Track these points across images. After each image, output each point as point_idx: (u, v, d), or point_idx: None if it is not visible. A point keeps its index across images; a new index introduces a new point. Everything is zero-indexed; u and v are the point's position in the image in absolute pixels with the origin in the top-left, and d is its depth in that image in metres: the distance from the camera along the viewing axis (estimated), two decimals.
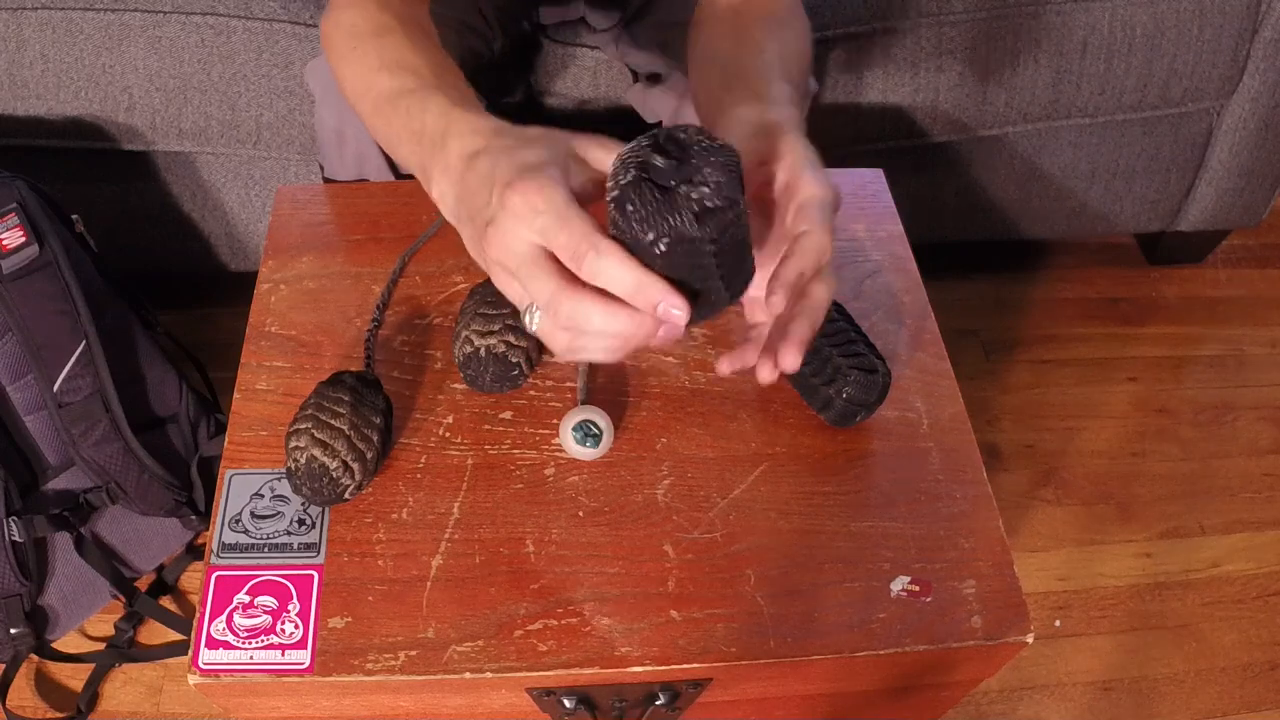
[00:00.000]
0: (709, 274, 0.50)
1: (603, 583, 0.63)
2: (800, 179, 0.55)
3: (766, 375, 0.55)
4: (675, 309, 0.47)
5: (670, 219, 0.47)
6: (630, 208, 0.47)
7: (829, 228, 0.54)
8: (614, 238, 0.48)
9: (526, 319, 0.51)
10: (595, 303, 0.47)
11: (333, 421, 0.63)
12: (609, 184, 0.49)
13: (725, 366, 0.59)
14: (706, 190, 0.48)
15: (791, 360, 0.53)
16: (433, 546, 0.64)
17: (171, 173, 1.22)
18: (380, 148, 0.86)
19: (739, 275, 0.51)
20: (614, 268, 0.46)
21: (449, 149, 0.54)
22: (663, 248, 0.48)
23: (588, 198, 0.51)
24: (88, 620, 1.18)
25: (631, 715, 0.68)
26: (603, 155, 0.52)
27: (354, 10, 0.67)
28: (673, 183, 0.48)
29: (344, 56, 0.66)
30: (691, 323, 0.49)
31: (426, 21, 0.69)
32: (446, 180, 0.54)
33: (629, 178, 0.48)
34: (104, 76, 1.11)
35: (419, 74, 0.60)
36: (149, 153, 1.20)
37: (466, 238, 0.53)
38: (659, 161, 0.48)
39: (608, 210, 0.49)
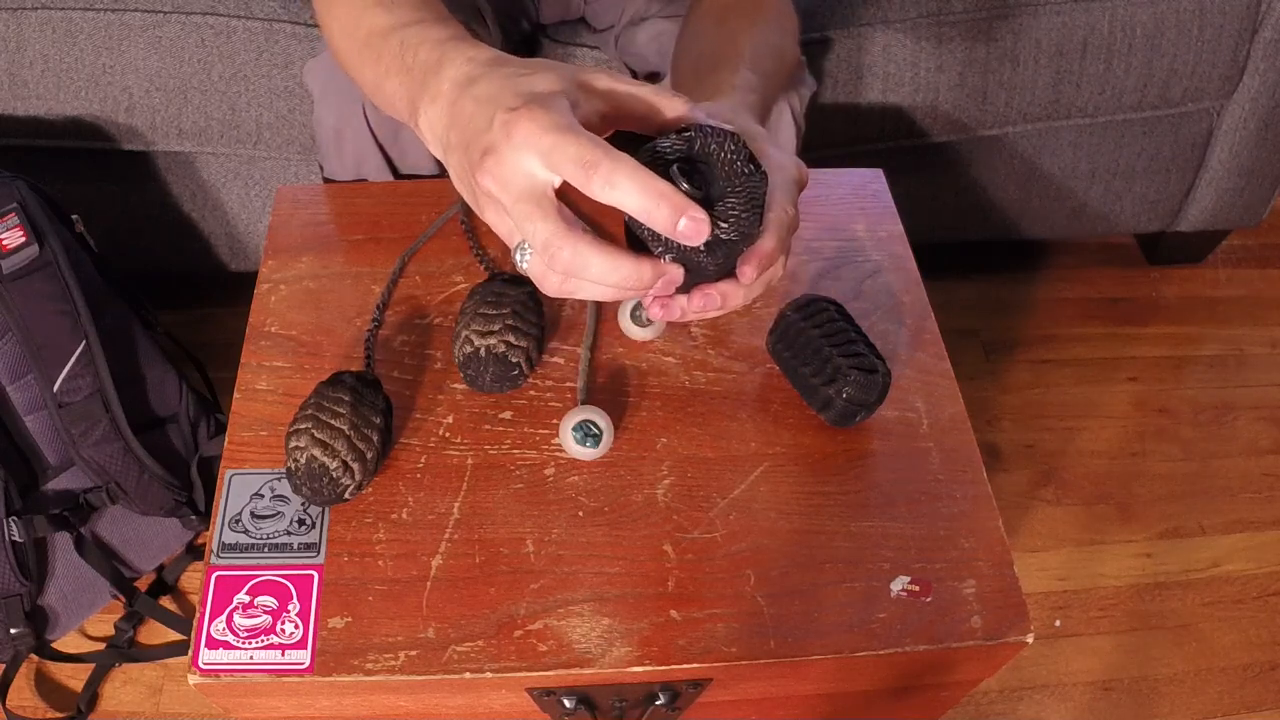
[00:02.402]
0: (704, 279, 0.50)
1: (603, 583, 0.63)
2: (760, 152, 0.53)
3: (657, 311, 0.52)
4: (698, 221, 0.44)
5: (682, 244, 0.47)
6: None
7: (792, 200, 0.52)
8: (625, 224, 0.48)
9: (516, 256, 0.48)
10: (595, 251, 0.45)
11: (333, 421, 0.63)
12: None
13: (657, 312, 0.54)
14: (724, 226, 0.48)
15: (695, 305, 0.51)
16: (433, 546, 0.64)
17: (171, 173, 1.22)
18: (379, 146, 0.86)
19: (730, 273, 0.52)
20: (629, 178, 0.44)
21: (442, 76, 0.51)
22: (670, 258, 0.48)
23: (597, 132, 0.48)
24: (88, 620, 1.18)
25: (631, 715, 0.68)
26: (610, 84, 0.50)
27: None
28: None
29: (331, 5, 0.64)
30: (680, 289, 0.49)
31: None
32: (436, 107, 0.50)
33: None
34: (104, 76, 1.11)
35: (415, 8, 0.57)
36: (149, 153, 1.20)
37: (453, 167, 0.50)
38: (684, 186, 0.47)
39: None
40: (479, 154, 0.46)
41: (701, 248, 0.48)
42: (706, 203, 0.48)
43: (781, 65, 0.73)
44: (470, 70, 0.50)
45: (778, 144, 0.55)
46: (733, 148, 0.49)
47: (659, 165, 0.48)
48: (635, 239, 0.49)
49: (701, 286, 0.52)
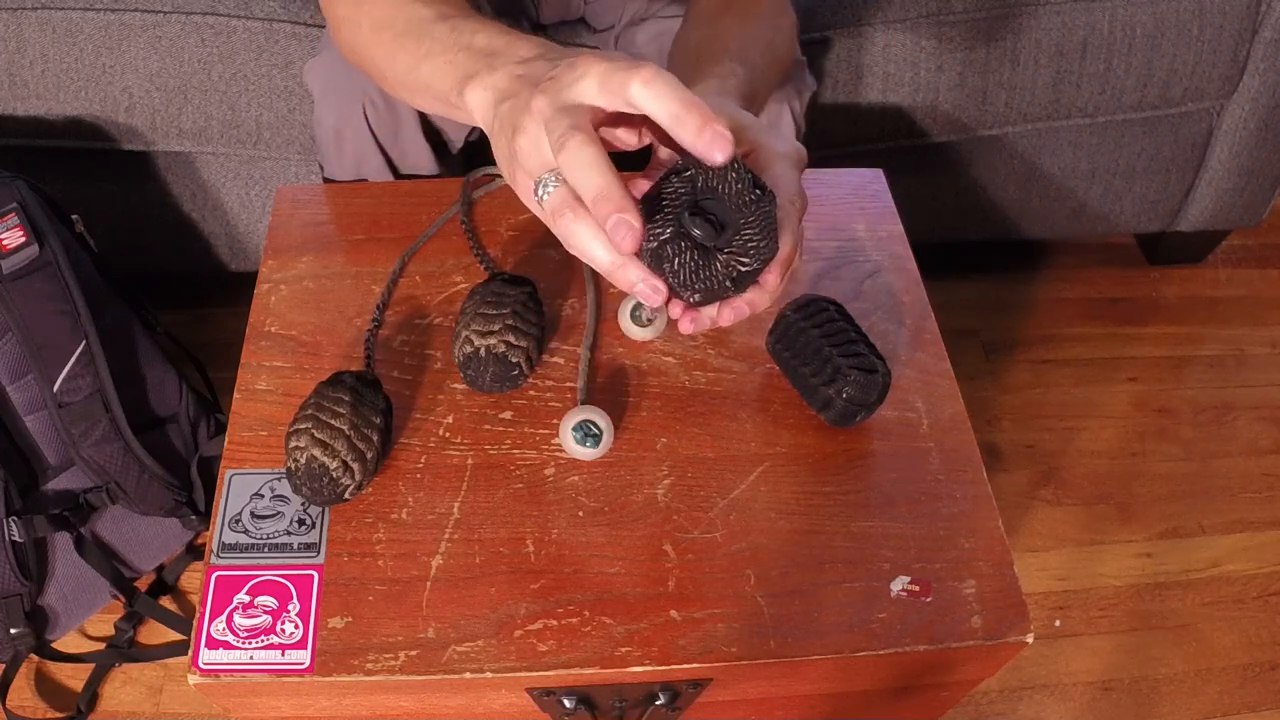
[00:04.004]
0: (722, 296, 0.52)
1: (603, 583, 0.63)
2: (756, 141, 0.55)
3: (687, 325, 0.54)
4: (624, 232, 0.46)
5: (709, 281, 0.49)
6: (668, 266, 0.49)
7: (799, 186, 0.54)
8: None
9: (539, 192, 0.49)
10: (589, 231, 0.48)
11: (333, 421, 0.63)
12: (645, 224, 0.48)
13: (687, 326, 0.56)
14: (745, 261, 0.49)
15: (726, 317, 0.53)
16: (433, 546, 0.64)
17: (171, 173, 1.22)
18: (379, 146, 0.86)
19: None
20: (585, 168, 0.46)
21: (507, 55, 0.53)
22: (696, 299, 0.50)
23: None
24: (88, 620, 1.18)
25: (631, 715, 0.68)
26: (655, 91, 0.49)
27: None
28: (712, 245, 0.49)
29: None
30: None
31: None
32: (494, 75, 0.53)
33: (667, 233, 0.49)
34: (104, 76, 1.11)
35: (458, 5, 0.60)
36: (149, 153, 1.20)
37: (503, 115, 0.52)
38: (697, 231, 0.48)
39: (643, 244, 0.48)
40: (545, 79, 0.49)
41: (729, 284, 0.50)
42: (724, 237, 0.49)
43: (774, 59, 0.74)
44: (535, 51, 0.53)
45: (775, 130, 0.55)
46: (735, 176, 0.49)
47: (665, 209, 0.49)
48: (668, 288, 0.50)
49: (729, 300, 0.53)
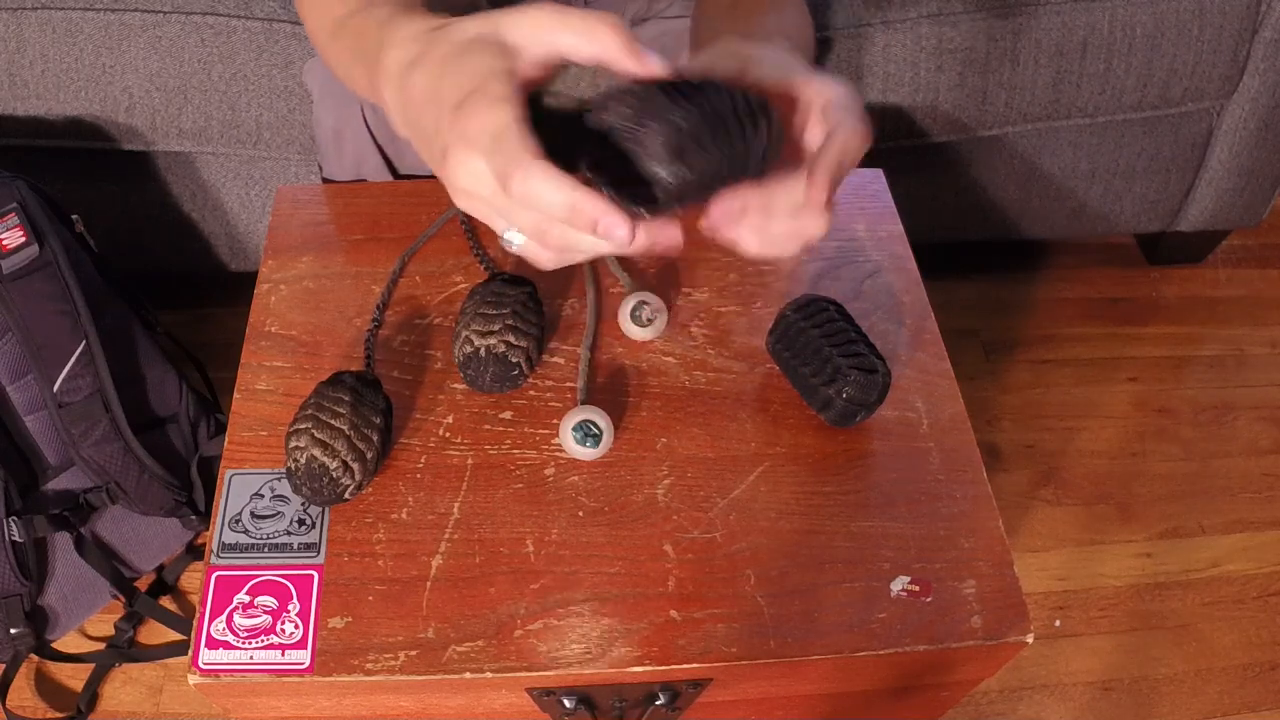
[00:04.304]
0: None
1: (603, 583, 0.63)
2: (805, 81, 0.49)
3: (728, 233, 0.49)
4: (616, 228, 0.42)
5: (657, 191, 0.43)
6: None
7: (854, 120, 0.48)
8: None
9: (505, 240, 0.46)
10: (577, 230, 0.43)
11: (333, 421, 0.63)
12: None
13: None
14: (675, 171, 0.43)
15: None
16: (433, 546, 0.64)
17: (171, 173, 1.22)
18: (378, 147, 0.86)
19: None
20: (544, 190, 0.41)
21: (387, 59, 0.49)
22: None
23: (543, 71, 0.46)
24: (88, 620, 1.18)
25: (631, 715, 0.68)
26: (534, 32, 0.46)
27: None
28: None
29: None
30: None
31: None
32: (390, 92, 0.49)
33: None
34: (104, 76, 1.11)
35: None
36: (149, 153, 1.20)
37: (419, 151, 0.49)
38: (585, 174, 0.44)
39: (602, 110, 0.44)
40: (439, 154, 0.45)
41: (659, 195, 0.44)
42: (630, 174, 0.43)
43: (807, 43, 0.70)
44: (410, 52, 0.48)
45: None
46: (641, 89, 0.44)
47: (563, 133, 0.44)
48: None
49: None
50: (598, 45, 0.44)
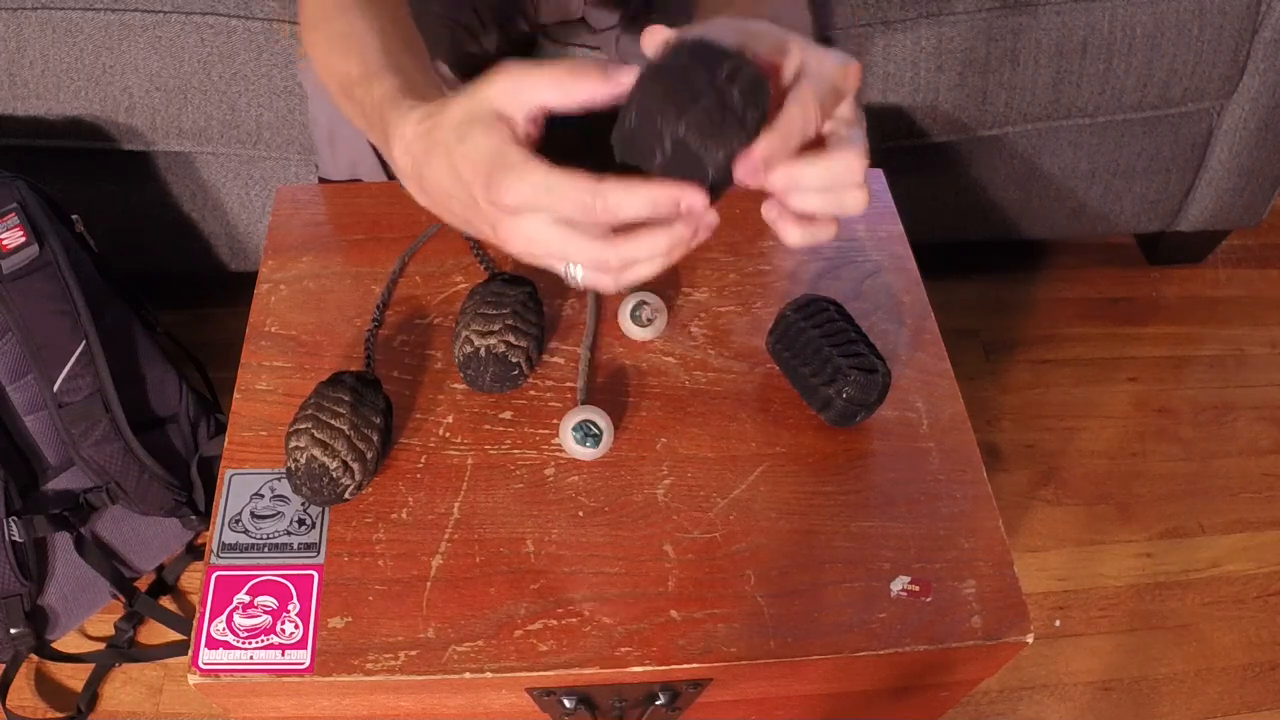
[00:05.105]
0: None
1: (603, 583, 0.63)
2: (800, 56, 0.50)
3: (796, 237, 0.51)
4: (695, 202, 0.45)
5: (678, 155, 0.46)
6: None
7: (814, 95, 0.48)
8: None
9: (570, 277, 0.49)
10: (640, 239, 0.46)
11: (333, 421, 0.63)
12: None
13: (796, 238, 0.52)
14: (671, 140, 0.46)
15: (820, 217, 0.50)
16: (433, 546, 0.64)
17: (171, 173, 1.22)
18: (373, 146, 0.86)
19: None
20: (625, 200, 0.45)
21: (396, 157, 0.53)
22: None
23: (539, 131, 0.49)
24: (88, 620, 1.18)
25: (631, 715, 0.68)
26: (521, 95, 0.48)
27: None
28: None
29: (309, 39, 0.66)
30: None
31: None
32: (407, 184, 0.53)
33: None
34: (104, 76, 1.11)
35: (364, 55, 0.58)
36: (149, 153, 1.20)
37: (452, 224, 0.52)
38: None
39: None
40: (489, 229, 0.49)
41: (668, 153, 0.46)
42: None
43: (806, 29, 0.71)
44: (413, 156, 0.51)
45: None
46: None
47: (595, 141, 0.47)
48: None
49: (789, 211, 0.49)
50: (572, 94, 0.47)
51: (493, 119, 0.48)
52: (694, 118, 0.45)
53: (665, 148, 0.46)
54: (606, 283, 0.49)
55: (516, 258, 0.50)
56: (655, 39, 0.48)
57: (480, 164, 0.47)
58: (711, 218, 0.47)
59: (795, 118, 0.47)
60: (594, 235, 0.47)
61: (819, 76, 0.49)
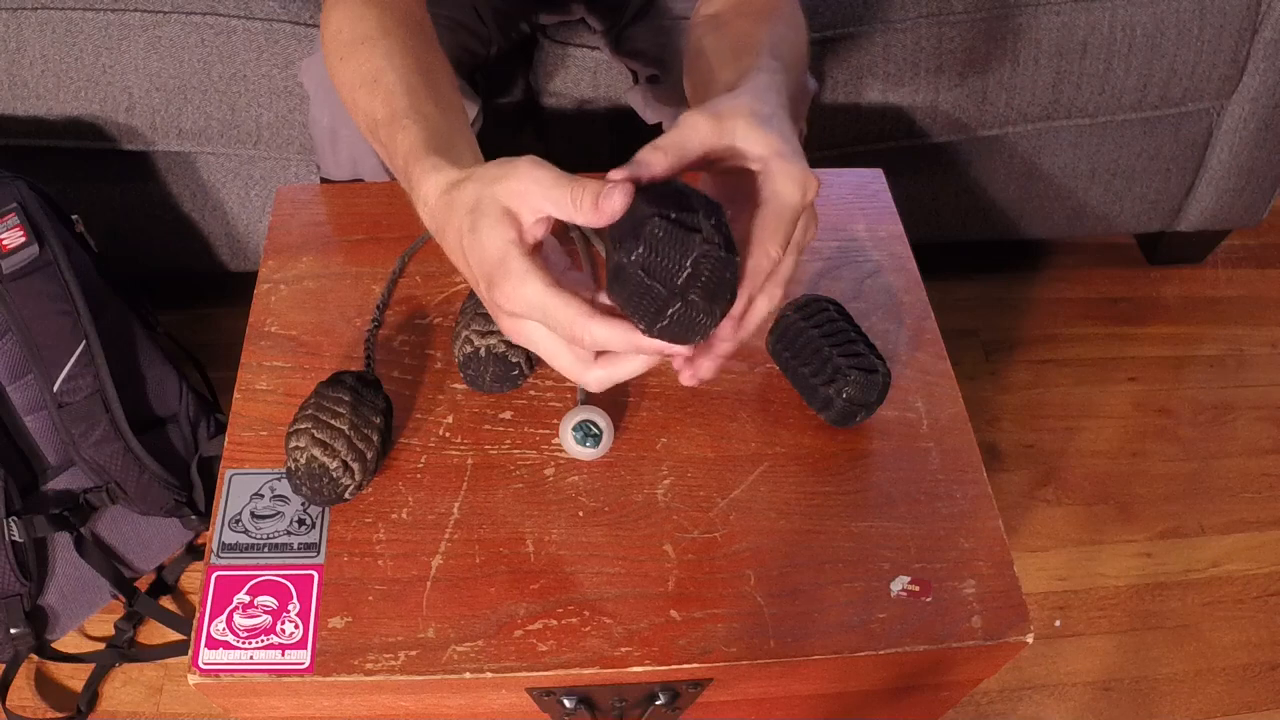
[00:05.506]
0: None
1: (603, 583, 0.63)
2: (764, 169, 0.52)
3: (687, 379, 0.55)
4: (678, 356, 0.51)
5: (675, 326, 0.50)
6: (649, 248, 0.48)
7: (777, 239, 0.51)
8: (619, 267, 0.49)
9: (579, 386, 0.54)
10: (621, 364, 0.52)
11: (333, 421, 0.63)
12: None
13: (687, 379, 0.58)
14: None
15: (706, 370, 0.55)
16: (433, 546, 0.64)
17: (171, 173, 1.22)
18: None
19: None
20: (608, 340, 0.49)
21: (416, 205, 0.57)
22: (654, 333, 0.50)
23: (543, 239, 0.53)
24: (88, 620, 1.18)
25: (631, 715, 0.68)
26: (535, 201, 0.50)
27: (340, 10, 0.67)
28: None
29: (335, 68, 0.67)
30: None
31: (418, 13, 0.69)
32: (429, 230, 0.57)
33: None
34: (104, 76, 1.11)
35: (390, 98, 0.61)
36: (149, 153, 1.20)
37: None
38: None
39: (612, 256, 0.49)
40: (492, 310, 0.54)
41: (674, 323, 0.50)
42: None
43: (797, 61, 0.72)
44: (433, 222, 0.55)
45: (788, 147, 0.52)
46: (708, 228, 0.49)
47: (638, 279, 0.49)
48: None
49: (706, 348, 0.54)
50: (570, 217, 0.49)
51: (500, 214, 0.50)
52: (667, 325, 0.49)
53: (649, 330, 0.50)
54: (593, 387, 0.54)
55: (506, 327, 0.54)
56: (616, 199, 0.49)
57: (485, 261, 0.51)
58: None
59: (761, 270, 0.51)
60: (579, 355, 0.52)
61: (780, 207, 0.52)
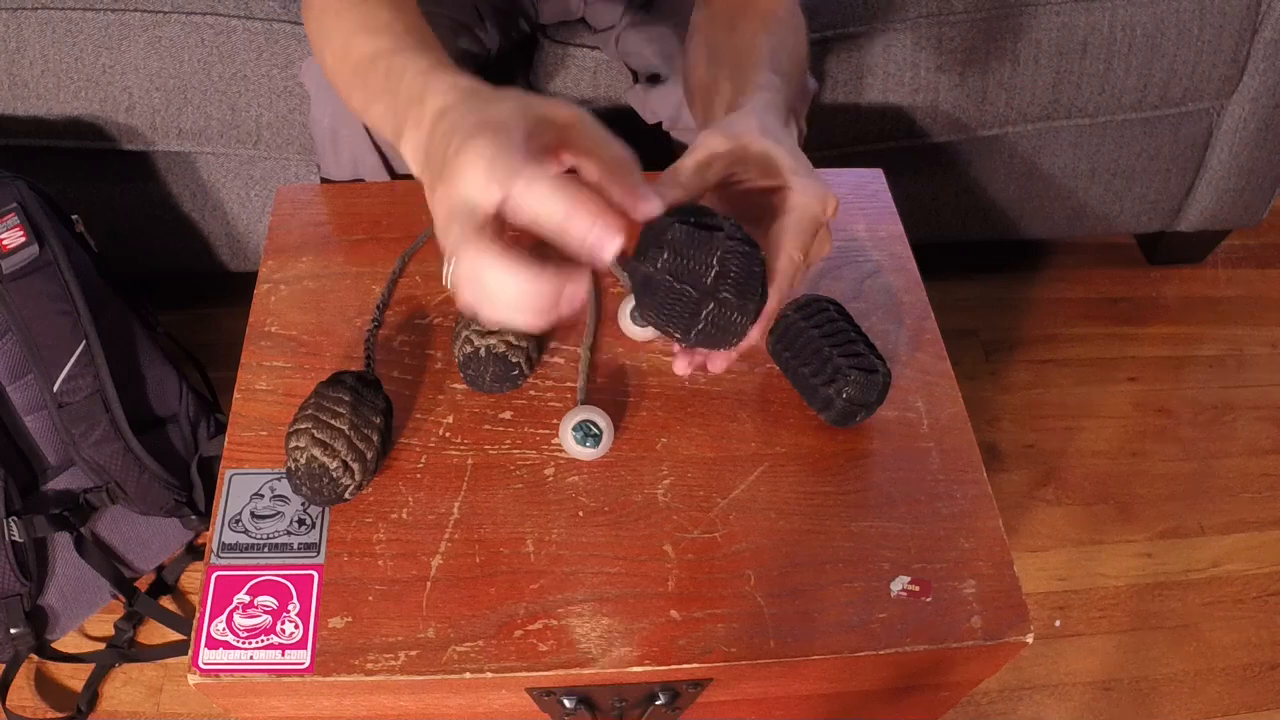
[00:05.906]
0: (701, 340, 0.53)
1: (603, 583, 0.63)
2: (786, 184, 0.55)
3: (682, 368, 0.57)
4: (607, 232, 0.45)
5: (690, 323, 0.51)
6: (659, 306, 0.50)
7: (801, 244, 0.54)
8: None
9: (445, 269, 0.50)
10: (495, 262, 0.45)
11: (333, 421, 0.63)
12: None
13: (682, 368, 0.59)
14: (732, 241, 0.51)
15: (717, 366, 0.57)
16: (433, 546, 0.64)
17: (171, 173, 1.22)
18: (375, 146, 0.86)
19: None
20: (545, 194, 0.45)
21: (425, 105, 0.52)
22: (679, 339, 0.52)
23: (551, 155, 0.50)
24: (88, 620, 1.18)
25: (631, 715, 0.68)
26: (569, 119, 0.50)
27: None
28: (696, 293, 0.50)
29: (324, 24, 0.66)
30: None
31: None
32: (418, 134, 0.52)
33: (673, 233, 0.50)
34: (104, 76, 1.11)
35: (397, 35, 0.60)
36: (149, 153, 1.20)
37: (428, 191, 0.51)
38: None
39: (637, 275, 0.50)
40: (436, 179, 0.48)
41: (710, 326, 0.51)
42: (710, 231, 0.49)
43: (797, 68, 0.73)
44: (448, 99, 0.51)
45: (804, 166, 0.55)
46: (726, 235, 0.49)
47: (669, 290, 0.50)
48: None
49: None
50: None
51: (534, 113, 0.48)
52: (703, 328, 0.50)
53: (685, 338, 0.51)
54: (461, 298, 0.48)
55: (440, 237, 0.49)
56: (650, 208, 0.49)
57: (482, 123, 0.47)
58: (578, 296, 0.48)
59: (787, 271, 0.53)
60: (476, 232, 0.46)
61: (802, 217, 0.54)
